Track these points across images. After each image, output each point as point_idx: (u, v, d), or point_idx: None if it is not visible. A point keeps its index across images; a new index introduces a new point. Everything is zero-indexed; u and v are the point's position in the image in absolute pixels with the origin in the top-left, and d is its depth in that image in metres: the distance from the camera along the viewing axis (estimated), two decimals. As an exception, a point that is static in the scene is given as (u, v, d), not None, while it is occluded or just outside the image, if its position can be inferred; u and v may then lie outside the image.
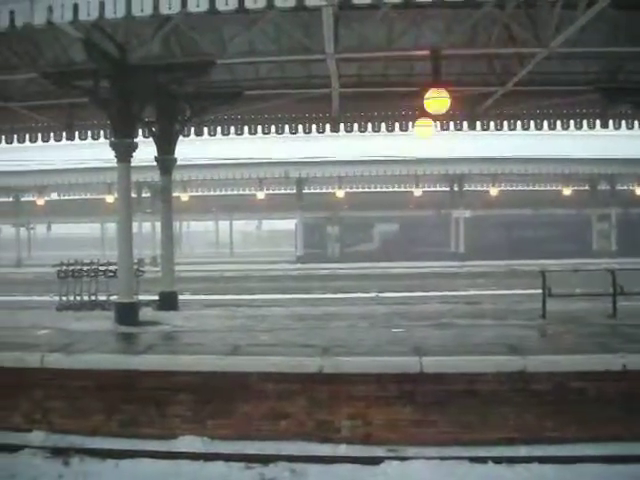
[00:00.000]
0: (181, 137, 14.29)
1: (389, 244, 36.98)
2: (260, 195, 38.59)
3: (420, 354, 8.42)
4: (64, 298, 14.12)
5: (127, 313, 11.60)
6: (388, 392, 8.07)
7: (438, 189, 39.16)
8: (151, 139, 13.93)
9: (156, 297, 13.92)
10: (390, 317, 12.13)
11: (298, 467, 7.31)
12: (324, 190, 40.41)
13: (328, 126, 15.49)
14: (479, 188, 38.72)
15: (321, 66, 12.05)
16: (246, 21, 10.32)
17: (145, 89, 11.73)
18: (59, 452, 7.87)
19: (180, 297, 14.29)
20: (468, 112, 15.20)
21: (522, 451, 7.57)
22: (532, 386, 8.04)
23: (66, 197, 44.63)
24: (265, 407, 8.24)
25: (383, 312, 12.82)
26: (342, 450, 7.76)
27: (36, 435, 8.49)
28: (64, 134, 15.70)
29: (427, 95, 10.99)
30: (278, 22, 10.73)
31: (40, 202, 40.83)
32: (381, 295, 18.11)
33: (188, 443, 8.01)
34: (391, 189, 40.54)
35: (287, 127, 15.51)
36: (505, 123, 15.72)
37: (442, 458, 7.36)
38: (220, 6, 7.64)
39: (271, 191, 40.78)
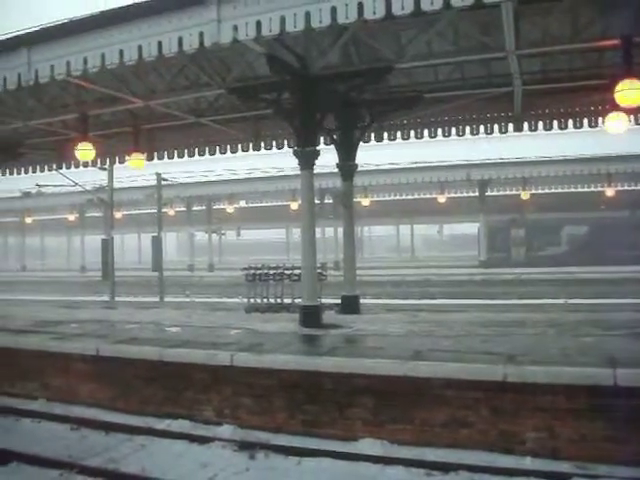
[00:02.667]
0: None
1: (578, 247, 35.03)
2: (441, 199, 38.16)
3: (614, 366, 7.84)
4: (252, 300, 14.85)
5: (311, 316, 11.92)
6: (577, 405, 7.59)
7: (633, 188, 36.30)
8: (332, 146, 14.28)
9: (338, 300, 14.20)
10: (580, 325, 11.42)
11: (479, 478, 7.10)
12: (508, 192, 39.10)
13: (511, 126, 14.98)
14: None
15: (502, 64, 11.67)
16: (423, 23, 10.24)
17: (326, 98, 12.05)
18: (246, 446, 8.27)
19: (361, 301, 14.45)
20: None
21: None
22: None
23: (253, 204, 46.93)
24: (446, 414, 8.09)
25: (572, 319, 12.10)
26: (527, 463, 7.41)
27: (225, 429, 9.02)
28: (251, 145, 16.53)
29: (618, 87, 10.25)
30: (455, 22, 10.55)
31: (230, 210, 43.31)
32: (570, 301, 17.16)
33: (368, 446, 8.06)
34: (579, 189, 38.28)
35: (468, 128, 15.19)
36: None
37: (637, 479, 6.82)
38: (396, 11, 7.67)
39: (452, 194, 40.18)
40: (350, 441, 8.29)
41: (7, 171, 20.14)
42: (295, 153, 11.94)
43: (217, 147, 17.09)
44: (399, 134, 15.53)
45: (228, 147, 16.96)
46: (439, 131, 15.34)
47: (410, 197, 43.41)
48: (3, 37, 10.98)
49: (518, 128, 14.84)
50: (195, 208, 44.76)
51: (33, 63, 10.49)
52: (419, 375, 8.29)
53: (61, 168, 19.79)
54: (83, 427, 9.53)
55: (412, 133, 15.48)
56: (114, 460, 8.07)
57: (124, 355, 10.55)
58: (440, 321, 12.38)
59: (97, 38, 9.79)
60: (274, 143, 16.36)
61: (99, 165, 20.21)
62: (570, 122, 14.56)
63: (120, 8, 9.67)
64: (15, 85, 10.85)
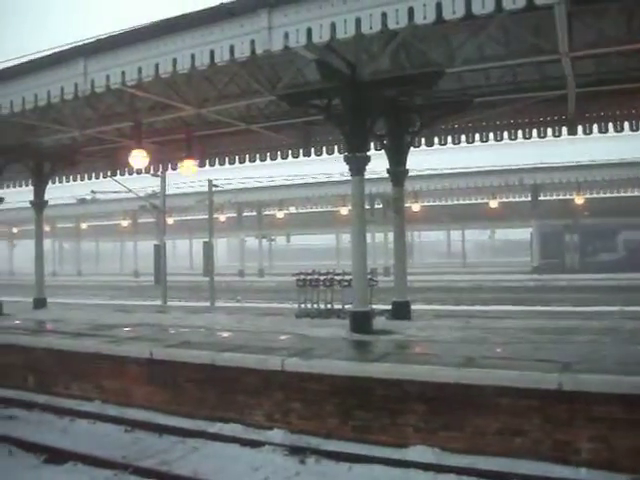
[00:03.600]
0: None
1: (636, 253, 34.11)
2: (493, 204, 37.69)
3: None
4: (302, 306, 14.91)
5: (361, 321, 11.88)
6: (636, 415, 7.40)
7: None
8: (382, 152, 14.26)
9: (389, 306, 14.15)
10: (638, 333, 11.14)
11: (534, 487, 6.98)
12: (561, 197, 38.38)
13: (564, 129, 14.71)
14: None
15: (555, 66, 11.48)
16: (474, 27, 10.16)
17: (376, 103, 12.04)
18: (297, 451, 8.29)
19: (412, 307, 14.37)
20: None
21: None
22: None
23: (303, 210, 47.12)
24: (498, 422, 7.96)
25: (629, 328, 11.81)
26: (582, 474, 7.24)
27: (276, 433, 9.04)
28: (301, 151, 16.62)
29: (677, 88, 10.00)
30: (507, 25, 10.42)
31: (280, 215, 43.59)
32: (627, 309, 16.72)
33: (419, 453, 7.98)
34: (636, 194, 37.26)
35: (520, 132, 14.97)
36: None
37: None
38: (447, 15, 7.63)
39: (504, 199, 39.64)
40: (401, 448, 8.23)
41: (64, 178, 20.75)
42: (346, 159, 11.94)
43: (267, 153, 17.23)
44: (450, 139, 15.39)
45: (278, 153, 17.08)
46: (490, 135, 15.14)
47: (461, 202, 43.02)
48: (61, 48, 11.31)
49: (572, 131, 14.56)
50: (245, 214, 45.17)
51: (89, 73, 10.77)
52: (471, 382, 8.18)
53: (115, 175, 20.23)
54: (137, 429, 9.71)
55: (463, 138, 15.31)
56: (167, 462, 8.19)
57: (177, 359, 10.70)
58: (492, 328, 12.23)
59: (151, 48, 10.01)
60: (324, 149, 16.42)
61: (152, 172, 20.53)
62: (626, 124, 14.24)
63: (173, 18, 9.86)
64: (72, 95, 11.16)
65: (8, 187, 21.06)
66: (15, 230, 53.52)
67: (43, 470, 8.12)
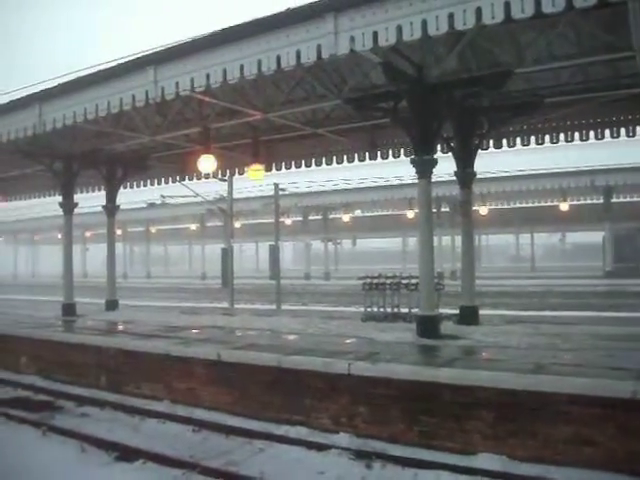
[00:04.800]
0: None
1: None
2: (563, 206, 36.75)
3: None
4: (368, 309, 14.85)
5: (428, 326, 11.75)
6: None
7: None
8: (447, 154, 14.11)
9: (456, 311, 13.97)
10: None
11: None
12: (635, 199, 37.14)
13: (639, 129, 14.22)
14: None
15: (628, 64, 11.07)
16: (543, 26, 9.94)
17: (443, 105, 11.91)
18: (362, 455, 8.26)
19: (480, 312, 14.14)
20: None
21: None
22: None
23: (369, 214, 47.05)
24: (569, 431, 7.74)
25: None
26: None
27: (342, 437, 9.04)
28: (367, 154, 16.59)
29: None
30: (577, 22, 10.14)
31: (345, 219, 43.61)
32: None
33: (487, 460, 7.83)
34: None
35: (592, 133, 14.55)
36: None
37: None
38: (516, 14, 7.48)
39: (575, 202, 38.62)
40: (468, 455, 8.10)
41: (134, 183, 21.32)
42: (412, 162, 11.85)
43: (333, 157, 17.26)
44: (519, 140, 15.09)
45: (344, 157, 17.11)
46: (561, 136, 14.78)
47: (531, 205, 42.15)
48: (131, 58, 11.64)
49: (648, 131, 14.08)
50: (311, 217, 45.39)
51: (159, 81, 11.04)
52: (541, 389, 7.99)
53: (184, 180, 20.68)
54: (204, 429, 9.87)
55: (532, 139, 14.99)
56: (234, 463, 8.29)
57: (244, 361, 10.83)
58: (562, 334, 11.91)
59: (218, 55, 10.18)
60: (390, 152, 16.34)
61: (219, 176, 20.86)
62: None
63: (239, 25, 10.00)
64: (143, 102, 11.46)
65: (82, 192, 21.78)
66: (88, 234, 55.16)
67: (114, 467, 8.35)
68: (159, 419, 10.57)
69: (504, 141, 15.13)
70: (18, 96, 13.91)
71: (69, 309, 18.73)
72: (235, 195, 26.09)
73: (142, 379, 12.48)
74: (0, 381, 14.12)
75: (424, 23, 8.11)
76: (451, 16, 7.91)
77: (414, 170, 11.89)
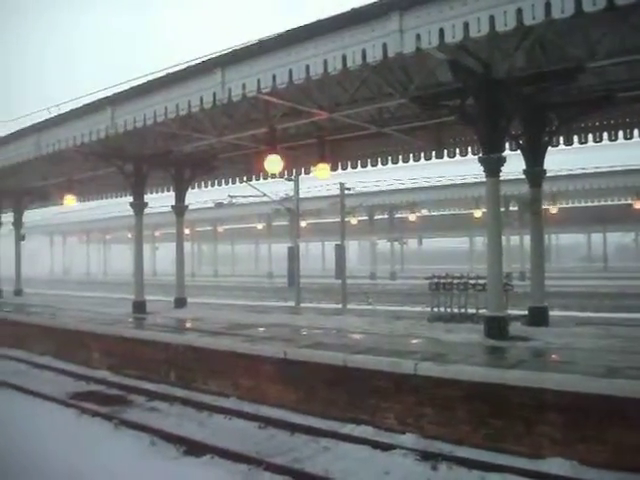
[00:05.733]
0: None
1: None
2: (638, 205, 35.51)
3: None
4: (435, 309, 14.72)
5: (496, 327, 11.56)
6: None
7: None
8: (516, 151, 13.84)
9: (524, 312, 13.69)
10: None
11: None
12: None
13: None
14: None
15: None
16: (615, 18, 9.61)
17: (511, 102, 11.69)
18: (428, 457, 8.20)
19: (550, 313, 13.81)
20: None
21: None
22: None
23: (435, 213, 46.55)
24: (643, 436, 7.50)
25: None
26: None
27: (408, 437, 8.99)
28: (433, 153, 16.43)
29: None
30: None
31: (412, 218, 43.26)
32: None
33: (556, 465, 7.64)
34: None
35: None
36: None
37: None
38: (587, 7, 7.28)
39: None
40: (536, 459, 7.93)
41: (202, 184, 21.70)
42: (480, 160, 11.68)
43: (399, 156, 17.19)
44: (590, 137, 14.67)
45: (410, 156, 17.00)
46: (635, 132, 14.32)
47: (603, 203, 40.88)
48: (199, 60, 11.86)
49: None
50: (377, 217, 45.19)
51: (226, 82, 11.23)
52: (613, 393, 7.75)
53: (250, 180, 20.94)
54: (270, 426, 9.99)
55: (605, 135, 14.56)
56: (299, 460, 8.37)
57: (309, 359, 10.89)
58: (636, 337, 11.54)
59: (284, 56, 10.29)
60: (457, 151, 16.15)
61: (285, 176, 21.02)
62: None
63: (305, 26, 10.07)
64: (211, 104, 11.68)
65: (151, 193, 22.30)
66: (157, 233, 56.37)
67: (182, 461, 8.55)
68: (226, 415, 10.76)
69: (575, 138, 14.73)
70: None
71: (139, 306, 19.23)
72: (301, 195, 26.18)
73: (209, 375, 12.71)
74: (74, 375, 14.63)
75: (491, 19, 7.98)
76: (519, 11, 7.76)
77: (481, 168, 11.73)
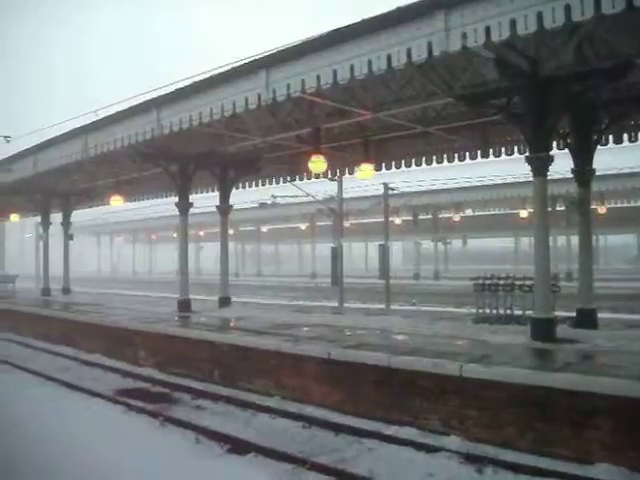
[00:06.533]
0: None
1: None
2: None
3: None
4: (480, 311, 14.55)
5: (543, 329, 11.37)
6: None
7: None
8: (563, 150, 13.59)
9: (572, 314, 13.44)
10: None
11: None
12: None
13: None
14: None
15: None
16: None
17: (558, 100, 11.46)
18: (473, 459, 8.09)
19: (598, 315, 13.53)
20: None
21: None
22: None
23: (480, 213, 46.06)
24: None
25: None
26: None
27: (452, 440, 8.88)
28: (479, 152, 16.24)
29: None
30: None
31: (456, 218, 42.91)
32: None
33: (605, 471, 7.46)
34: None
35: None
36: None
37: None
38: (638, 2, 7.10)
39: None
40: (584, 465, 7.74)
41: (246, 184, 21.86)
42: (527, 159, 11.49)
43: (444, 155, 17.05)
44: (641, 135, 14.33)
45: (455, 155, 16.85)
46: (688, 130, 13.93)
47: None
48: (243, 62, 11.96)
49: None
50: (421, 217, 44.96)
51: (271, 83, 11.31)
52: (666, 399, 7.56)
53: (294, 180, 20.99)
54: (314, 426, 9.99)
55: (656, 133, 14.20)
56: (343, 460, 8.34)
57: (354, 360, 10.87)
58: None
59: (328, 56, 10.32)
60: (503, 150, 15.94)
61: (329, 176, 21.03)
62: None
63: (349, 26, 10.07)
64: (255, 105, 11.76)
65: (196, 193, 22.54)
66: (201, 233, 56.98)
67: (227, 459, 8.60)
68: (270, 414, 10.80)
69: (625, 136, 14.38)
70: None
71: (184, 305, 19.46)
72: (344, 194, 26.19)
73: (253, 374, 12.79)
74: (122, 372, 14.88)
75: (539, 16, 7.84)
76: (568, 8, 7.61)
77: (528, 168, 11.55)
